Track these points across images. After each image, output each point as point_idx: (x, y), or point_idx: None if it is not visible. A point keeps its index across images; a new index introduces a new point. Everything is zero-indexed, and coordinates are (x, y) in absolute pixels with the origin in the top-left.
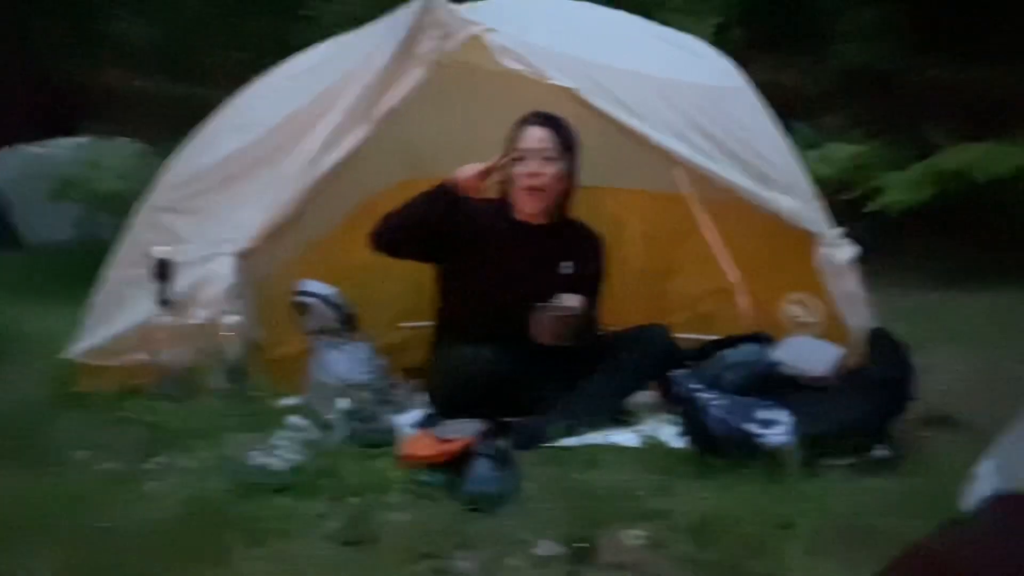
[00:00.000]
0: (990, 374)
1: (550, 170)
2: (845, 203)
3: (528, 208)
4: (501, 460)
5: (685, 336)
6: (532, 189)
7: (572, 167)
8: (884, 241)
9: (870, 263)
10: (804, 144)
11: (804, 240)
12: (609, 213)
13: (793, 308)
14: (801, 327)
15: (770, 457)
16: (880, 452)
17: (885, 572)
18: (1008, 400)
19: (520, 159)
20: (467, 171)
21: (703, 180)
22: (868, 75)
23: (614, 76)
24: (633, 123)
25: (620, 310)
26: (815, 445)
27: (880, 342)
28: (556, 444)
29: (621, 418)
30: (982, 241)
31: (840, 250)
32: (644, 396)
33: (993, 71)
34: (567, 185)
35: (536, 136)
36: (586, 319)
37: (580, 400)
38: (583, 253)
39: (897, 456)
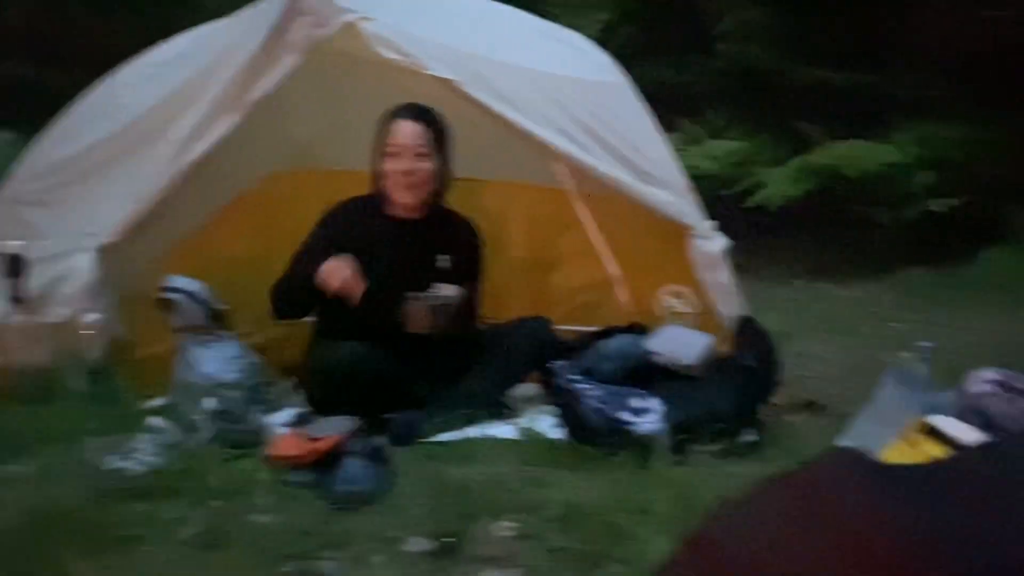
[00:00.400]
0: (857, 361)
1: (424, 166)
2: (727, 197)
3: (402, 202)
4: (372, 457)
5: (566, 328)
6: (406, 185)
7: (445, 161)
8: (761, 234)
9: (745, 255)
10: (688, 140)
11: (680, 233)
12: (490, 206)
13: (669, 299)
14: (677, 318)
15: (642, 445)
16: (748, 437)
17: (667, 566)
18: (872, 386)
19: (392, 155)
20: (334, 276)
21: (582, 174)
22: (750, 75)
23: (494, 68)
24: (512, 116)
25: (501, 302)
26: (685, 431)
27: (747, 330)
28: (433, 439)
29: (500, 411)
30: (852, 235)
31: (712, 242)
32: (524, 388)
33: (866, 74)
34: (441, 179)
35: (408, 131)
36: (462, 309)
37: (459, 394)
38: (460, 246)
39: (764, 440)
